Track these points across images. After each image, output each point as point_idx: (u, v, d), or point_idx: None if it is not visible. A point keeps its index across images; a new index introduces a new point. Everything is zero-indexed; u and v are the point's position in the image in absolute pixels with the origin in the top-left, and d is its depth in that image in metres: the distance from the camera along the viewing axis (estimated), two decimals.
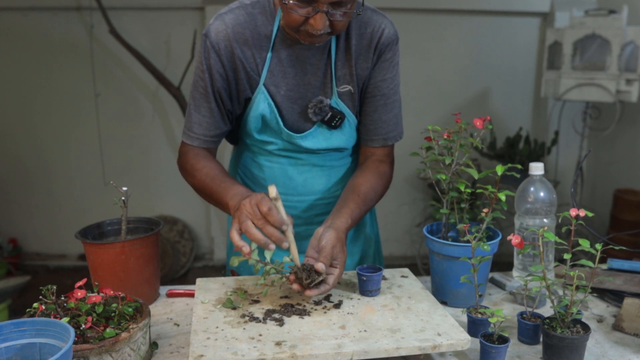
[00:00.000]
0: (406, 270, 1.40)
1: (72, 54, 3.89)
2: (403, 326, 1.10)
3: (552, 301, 1.12)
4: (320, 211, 1.51)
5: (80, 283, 1.07)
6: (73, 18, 3.85)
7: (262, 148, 1.46)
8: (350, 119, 1.43)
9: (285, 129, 1.39)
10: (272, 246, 1.15)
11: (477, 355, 1.10)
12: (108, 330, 1.01)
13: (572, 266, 1.10)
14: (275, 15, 1.34)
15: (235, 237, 1.16)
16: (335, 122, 1.39)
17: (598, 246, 1.05)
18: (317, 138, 1.42)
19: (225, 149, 3.79)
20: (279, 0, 1.27)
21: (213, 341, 1.03)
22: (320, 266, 1.15)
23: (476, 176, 1.29)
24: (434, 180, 1.37)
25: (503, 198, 1.25)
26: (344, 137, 1.44)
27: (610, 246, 1.23)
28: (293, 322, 1.11)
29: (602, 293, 1.40)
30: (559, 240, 1.12)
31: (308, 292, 1.16)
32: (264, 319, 1.12)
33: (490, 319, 1.08)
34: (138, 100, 4.01)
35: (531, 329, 1.16)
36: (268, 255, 1.18)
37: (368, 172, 1.43)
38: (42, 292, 1.04)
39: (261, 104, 1.37)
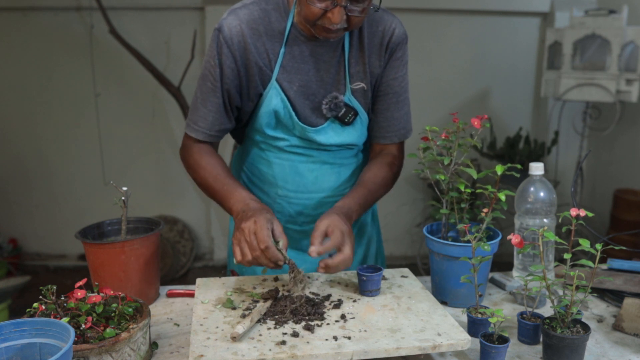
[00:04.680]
0: (406, 270, 1.40)
1: (72, 54, 3.89)
2: (403, 326, 1.10)
3: (552, 301, 1.12)
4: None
5: (80, 283, 1.07)
6: (73, 18, 3.85)
7: (273, 144, 1.46)
8: (362, 116, 1.44)
9: (300, 123, 1.39)
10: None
11: (477, 355, 1.10)
12: (108, 330, 1.01)
13: (572, 266, 1.10)
14: (289, 11, 1.34)
15: (238, 256, 1.22)
16: (348, 118, 1.41)
17: (598, 246, 1.05)
18: (329, 134, 1.42)
19: (226, 148, 3.80)
20: None
21: (213, 341, 1.03)
22: (311, 251, 1.21)
23: (475, 176, 1.29)
24: (432, 180, 1.37)
25: (503, 198, 1.25)
26: (355, 133, 1.45)
27: (610, 246, 1.23)
28: (293, 322, 1.11)
29: (602, 293, 1.40)
30: (559, 240, 1.12)
31: (330, 261, 1.21)
32: (264, 319, 1.12)
33: (490, 319, 1.08)
34: (138, 100, 4.01)
35: (531, 329, 1.16)
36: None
37: (371, 164, 1.47)
38: (42, 292, 1.04)
39: (274, 99, 1.37)
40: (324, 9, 1.22)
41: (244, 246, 1.20)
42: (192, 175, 1.44)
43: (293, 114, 1.38)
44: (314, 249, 1.20)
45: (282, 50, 1.35)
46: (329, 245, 1.22)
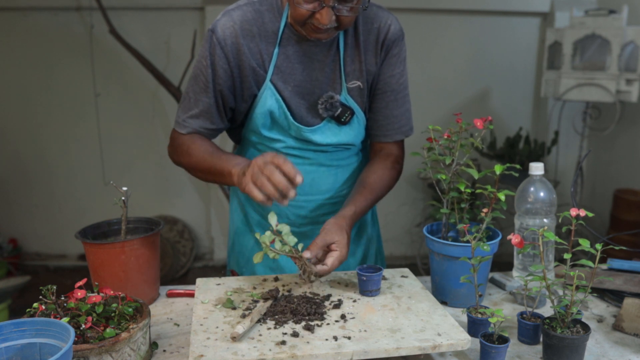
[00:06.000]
0: (406, 270, 1.40)
1: (72, 54, 3.89)
2: (403, 326, 1.10)
3: (552, 301, 1.12)
4: (327, 210, 1.51)
5: (80, 283, 1.07)
6: (73, 18, 3.85)
7: (269, 146, 1.46)
8: (359, 115, 1.44)
9: (295, 123, 1.39)
10: (285, 202, 1.15)
11: (477, 355, 1.10)
12: (108, 330, 1.01)
13: (572, 266, 1.10)
14: (282, 12, 1.34)
15: (255, 191, 1.15)
16: (345, 117, 1.40)
17: (598, 246, 1.05)
18: (325, 133, 1.42)
19: (226, 148, 3.79)
20: None
21: (213, 341, 1.03)
22: (305, 254, 1.19)
23: (476, 176, 1.29)
24: (434, 180, 1.37)
25: (502, 198, 1.25)
26: (352, 132, 1.44)
27: (610, 246, 1.23)
28: (293, 322, 1.11)
29: (602, 293, 1.40)
30: (559, 240, 1.12)
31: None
32: (264, 319, 1.12)
33: (490, 319, 1.08)
34: (138, 100, 4.01)
35: (531, 329, 1.16)
36: (278, 245, 1.19)
37: (375, 164, 1.46)
38: (42, 292, 1.04)
39: (269, 100, 1.37)
40: (312, 10, 1.22)
41: (255, 168, 1.16)
42: (184, 161, 1.41)
43: (288, 113, 1.38)
44: (308, 255, 1.20)
45: (276, 50, 1.35)
46: (322, 270, 1.22)
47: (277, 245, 1.19)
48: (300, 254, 1.20)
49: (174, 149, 1.44)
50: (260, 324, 1.10)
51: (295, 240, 1.21)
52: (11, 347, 0.94)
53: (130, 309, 1.07)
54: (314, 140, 1.41)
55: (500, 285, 1.46)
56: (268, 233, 1.18)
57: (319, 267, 1.22)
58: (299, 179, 1.13)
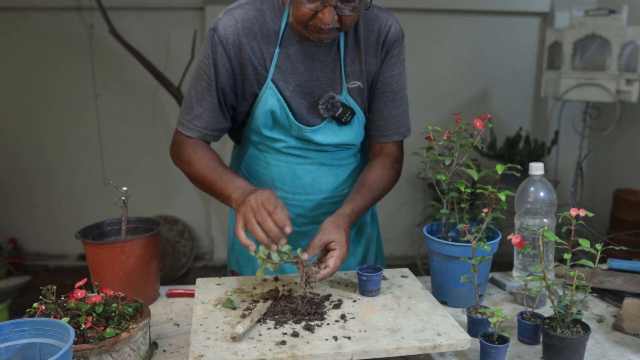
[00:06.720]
0: (406, 270, 1.40)
1: (72, 54, 3.89)
2: (403, 326, 1.10)
3: (552, 301, 1.12)
4: (328, 210, 1.51)
5: (80, 283, 1.07)
6: (73, 18, 3.85)
7: (270, 146, 1.46)
8: (359, 115, 1.44)
9: (297, 123, 1.39)
10: (274, 247, 1.17)
11: (477, 355, 1.10)
12: (108, 330, 1.01)
13: (572, 266, 1.10)
14: (283, 11, 1.34)
15: (242, 235, 1.18)
16: (345, 118, 1.40)
17: (598, 246, 1.05)
18: (326, 133, 1.42)
19: (226, 148, 3.79)
20: None
21: (213, 341, 1.03)
22: (303, 256, 1.19)
23: (476, 177, 1.29)
24: (434, 180, 1.37)
25: (503, 198, 1.25)
26: (352, 133, 1.44)
27: (610, 246, 1.23)
28: (293, 322, 1.11)
29: (602, 293, 1.40)
30: (559, 240, 1.12)
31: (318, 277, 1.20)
32: (264, 319, 1.12)
33: (490, 319, 1.08)
34: (138, 100, 4.01)
35: (531, 329, 1.16)
36: (275, 257, 1.18)
37: (374, 164, 1.46)
38: (42, 292, 1.04)
39: (270, 100, 1.37)
40: (315, 10, 1.22)
41: (249, 211, 1.17)
42: (185, 169, 1.41)
43: (290, 113, 1.38)
44: (306, 257, 1.20)
45: (277, 50, 1.35)
46: (326, 274, 1.21)
47: (274, 256, 1.18)
48: (299, 257, 1.20)
49: (177, 153, 1.43)
50: (260, 324, 1.10)
51: (290, 246, 1.20)
52: (11, 347, 0.94)
53: (130, 309, 1.08)
54: (315, 140, 1.41)
55: (500, 285, 1.46)
56: (262, 247, 1.18)
57: (322, 272, 1.20)
58: (288, 229, 1.16)
